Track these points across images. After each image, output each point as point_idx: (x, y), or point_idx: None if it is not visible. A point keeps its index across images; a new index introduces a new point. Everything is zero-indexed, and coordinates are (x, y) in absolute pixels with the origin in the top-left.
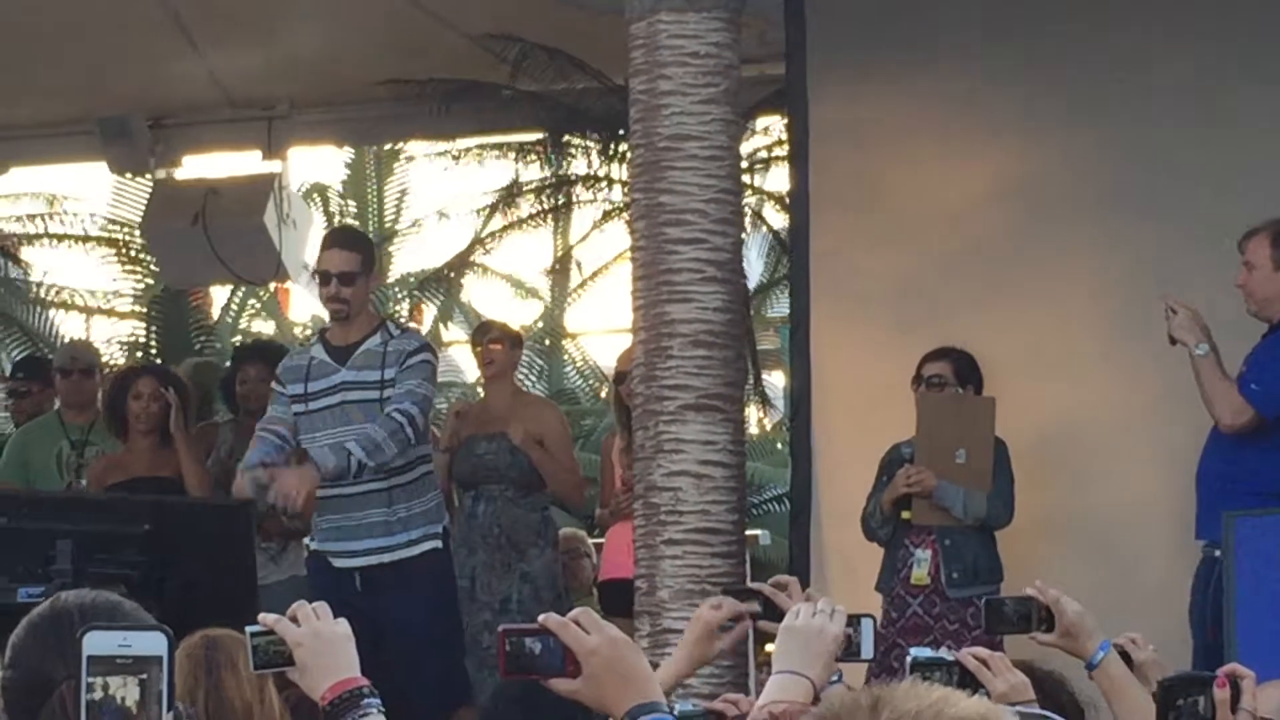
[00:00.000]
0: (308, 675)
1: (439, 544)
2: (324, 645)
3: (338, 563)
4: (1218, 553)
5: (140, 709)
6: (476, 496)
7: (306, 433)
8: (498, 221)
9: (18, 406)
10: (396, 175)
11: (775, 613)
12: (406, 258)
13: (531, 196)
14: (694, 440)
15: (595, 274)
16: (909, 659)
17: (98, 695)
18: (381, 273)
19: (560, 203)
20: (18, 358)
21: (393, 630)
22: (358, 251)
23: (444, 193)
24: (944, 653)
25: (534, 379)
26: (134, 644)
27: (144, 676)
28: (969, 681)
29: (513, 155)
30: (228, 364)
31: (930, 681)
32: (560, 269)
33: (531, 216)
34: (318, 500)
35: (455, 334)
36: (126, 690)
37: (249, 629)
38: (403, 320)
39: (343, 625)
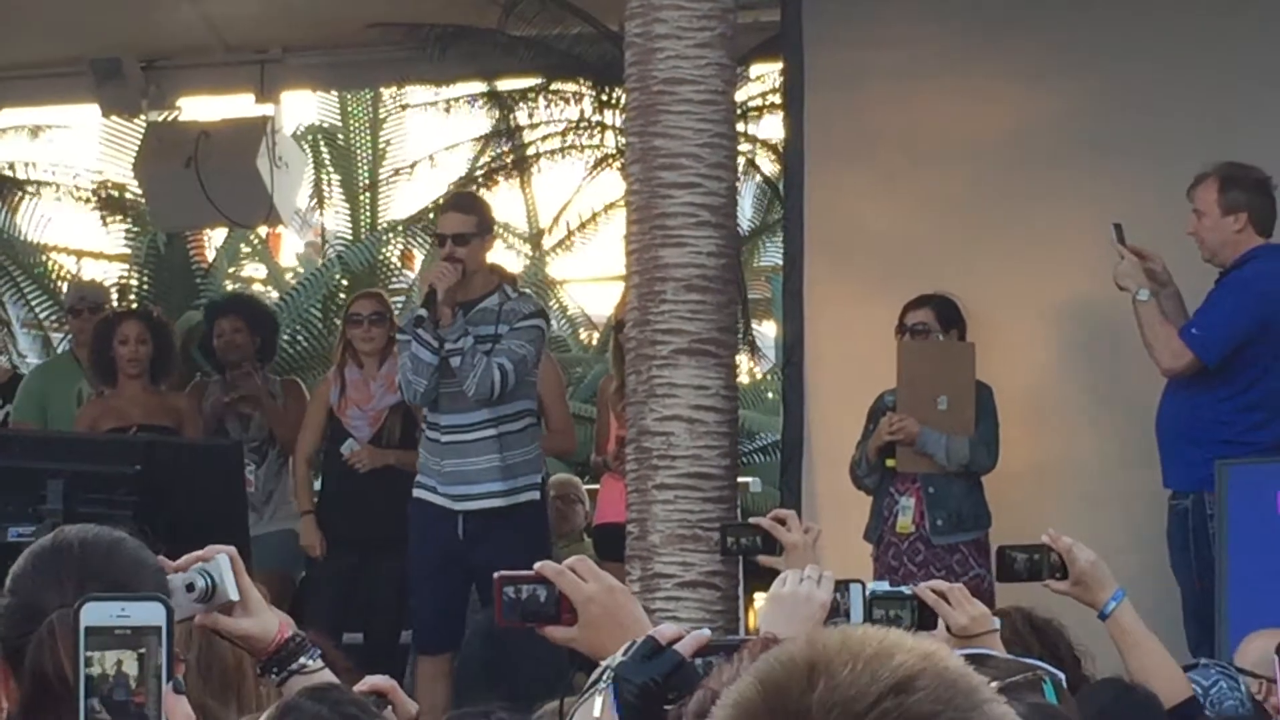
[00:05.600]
0: (262, 614)
1: (537, 495)
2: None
3: (455, 506)
4: (1185, 503)
5: (140, 684)
6: None
7: None
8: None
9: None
10: (389, 122)
11: (774, 547)
12: (398, 204)
13: (521, 142)
14: (686, 385)
15: (584, 225)
16: (868, 593)
17: (95, 670)
18: (372, 220)
19: (551, 150)
20: (13, 303)
21: (486, 575)
22: (472, 214)
23: (436, 139)
24: (902, 587)
25: None
26: (132, 614)
27: (143, 651)
28: (928, 615)
29: (501, 106)
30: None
31: (883, 617)
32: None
33: (520, 162)
34: (438, 444)
35: None
36: (125, 665)
37: (184, 578)
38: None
39: None
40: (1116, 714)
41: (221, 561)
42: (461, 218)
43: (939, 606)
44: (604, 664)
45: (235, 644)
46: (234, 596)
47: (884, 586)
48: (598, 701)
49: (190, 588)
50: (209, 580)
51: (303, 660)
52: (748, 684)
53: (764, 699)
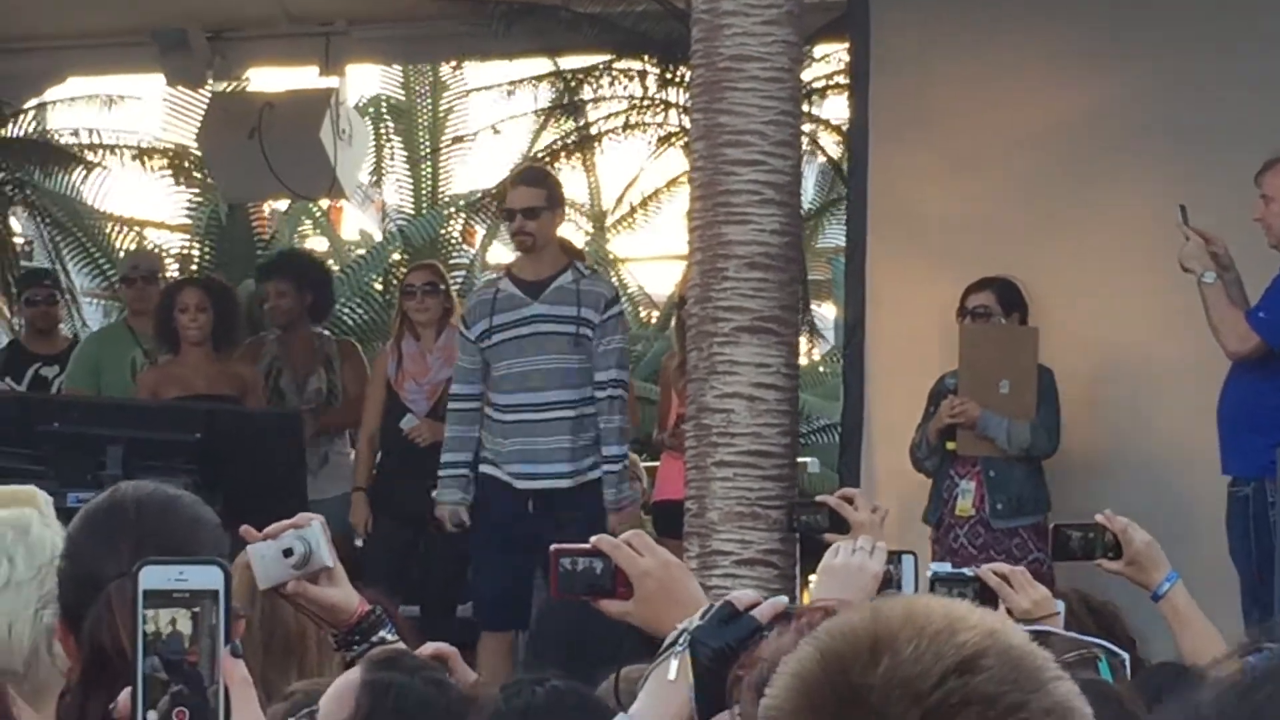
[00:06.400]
0: (345, 585)
1: None
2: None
3: (518, 484)
4: (1245, 490)
5: (194, 643)
6: None
7: (495, 362)
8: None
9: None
10: (450, 93)
11: (842, 525)
12: (460, 179)
13: (585, 119)
14: (747, 362)
15: (646, 201)
16: (929, 575)
17: (150, 628)
18: (434, 194)
19: (615, 128)
20: (80, 269)
21: None
22: (542, 188)
23: (499, 111)
24: (964, 569)
25: None
26: (190, 578)
27: (197, 610)
28: (989, 599)
29: (565, 84)
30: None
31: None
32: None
33: (584, 141)
34: (499, 424)
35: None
36: (181, 624)
37: (282, 544)
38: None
39: None
40: (1174, 697)
41: (317, 528)
42: (531, 191)
43: (1001, 589)
44: (680, 627)
45: (315, 616)
46: (329, 563)
47: (946, 568)
48: (673, 664)
49: (289, 553)
50: (307, 546)
51: (382, 634)
52: (809, 654)
53: (825, 672)
